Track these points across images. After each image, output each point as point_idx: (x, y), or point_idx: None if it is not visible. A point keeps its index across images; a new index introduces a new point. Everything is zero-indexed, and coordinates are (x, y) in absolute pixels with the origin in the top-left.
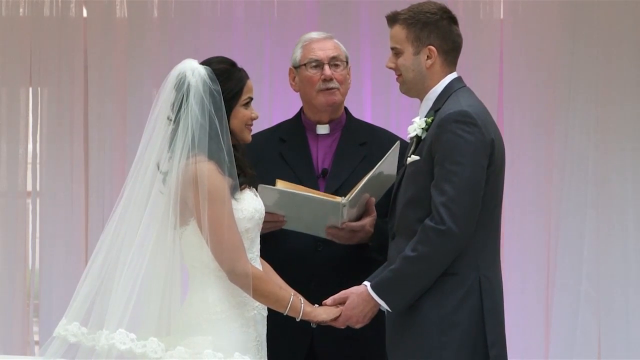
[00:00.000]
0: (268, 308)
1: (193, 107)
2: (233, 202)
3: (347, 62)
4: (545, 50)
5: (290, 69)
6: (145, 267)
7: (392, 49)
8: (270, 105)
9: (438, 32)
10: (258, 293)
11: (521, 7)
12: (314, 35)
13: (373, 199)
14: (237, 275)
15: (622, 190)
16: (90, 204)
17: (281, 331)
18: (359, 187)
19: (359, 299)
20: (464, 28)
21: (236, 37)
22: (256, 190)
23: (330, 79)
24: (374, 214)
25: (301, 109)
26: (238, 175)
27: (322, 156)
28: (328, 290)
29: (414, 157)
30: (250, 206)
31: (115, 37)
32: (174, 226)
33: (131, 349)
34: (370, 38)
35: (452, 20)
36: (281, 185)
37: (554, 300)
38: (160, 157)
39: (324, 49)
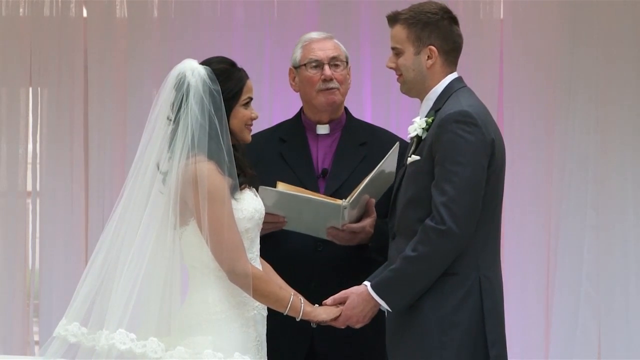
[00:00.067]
0: (268, 308)
1: (193, 107)
2: (233, 202)
3: (347, 62)
4: (545, 50)
5: (290, 69)
6: (145, 267)
7: (393, 48)
8: (270, 105)
9: (439, 32)
10: (258, 293)
11: (521, 7)
12: (314, 35)
13: (373, 200)
14: (237, 275)
15: (622, 190)
16: (90, 204)
17: (281, 331)
18: (360, 188)
19: (359, 299)
20: (464, 28)
21: (236, 37)
22: (256, 190)
23: (330, 79)
24: (374, 214)
25: (301, 109)
26: (238, 175)
27: (322, 156)
28: (328, 290)
29: (415, 157)
30: (250, 206)
31: (115, 37)
32: (174, 226)
33: (131, 349)
34: (370, 38)
35: (453, 20)
36: (282, 187)
37: (554, 300)
38: (160, 157)
39: (324, 49)
